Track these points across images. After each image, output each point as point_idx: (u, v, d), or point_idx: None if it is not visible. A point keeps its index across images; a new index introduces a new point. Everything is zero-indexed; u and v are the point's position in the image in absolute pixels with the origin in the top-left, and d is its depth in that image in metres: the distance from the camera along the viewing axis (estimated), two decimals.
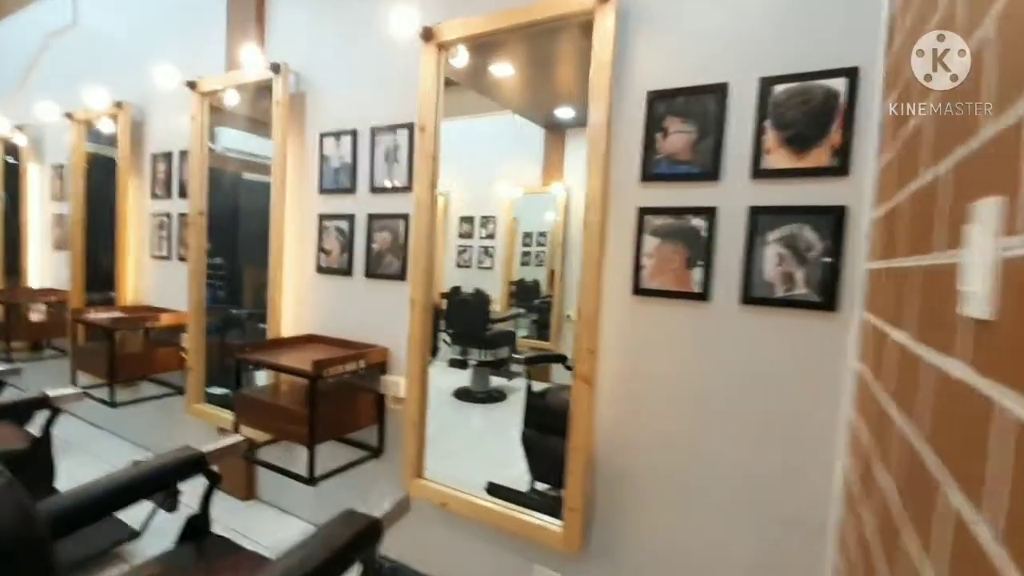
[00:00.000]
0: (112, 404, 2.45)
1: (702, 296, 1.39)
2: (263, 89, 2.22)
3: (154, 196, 2.84)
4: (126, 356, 2.55)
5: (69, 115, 3.11)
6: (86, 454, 2.86)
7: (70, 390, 1.61)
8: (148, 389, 2.78)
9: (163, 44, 2.75)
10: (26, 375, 3.66)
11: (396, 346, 1.97)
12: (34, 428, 1.66)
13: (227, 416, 2.40)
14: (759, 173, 1.33)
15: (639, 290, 1.47)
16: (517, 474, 2.31)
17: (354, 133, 2.05)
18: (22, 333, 3.35)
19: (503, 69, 2.58)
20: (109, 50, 3.11)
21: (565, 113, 3.41)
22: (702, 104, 1.38)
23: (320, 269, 2.17)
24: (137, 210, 2.91)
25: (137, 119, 2.88)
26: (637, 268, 1.47)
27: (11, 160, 3.81)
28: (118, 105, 2.82)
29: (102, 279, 3.28)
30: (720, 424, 1.37)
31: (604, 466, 1.54)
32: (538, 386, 2.48)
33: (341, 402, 1.85)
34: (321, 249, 2.17)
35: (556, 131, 3.61)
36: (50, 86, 3.48)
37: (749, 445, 1.33)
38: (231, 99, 2.51)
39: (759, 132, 1.33)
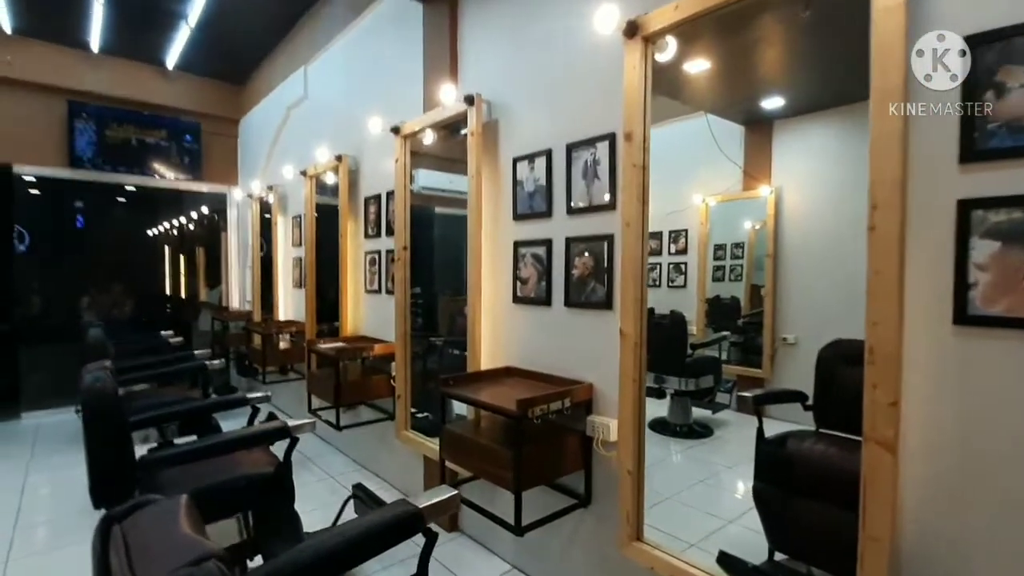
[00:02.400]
0: (338, 427, 2.69)
1: None
2: (453, 128, 2.26)
3: (367, 235, 3.12)
4: (348, 383, 2.79)
5: (303, 172, 3.64)
6: (316, 467, 3.21)
7: (305, 420, 1.73)
8: (364, 413, 3.02)
9: (371, 99, 3.03)
10: (275, 395, 4.37)
11: (603, 383, 1.75)
12: (277, 447, 1.84)
13: (431, 445, 2.44)
14: None
15: (967, 318, 1.02)
16: (741, 534, 1.92)
17: (548, 153, 1.94)
18: (274, 359, 3.97)
19: (698, 64, 2.26)
20: (330, 113, 3.58)
21: (772, 103, 2.92)
22: None
23: (517, 299, 2.08)
24: (354, 249, 3.23)
25: (353, 168, 3.22)
26: (961, 287, 1.03)
27: (267, 215, 4.66)
28: (338, 158, 3.19)
29: (328, 311, 3.74)
30: None
31: (914, 567, 1.09)
32: (760, 426, 2.05)
33: (546, 444, 1.69)
34: (517, 278, 2.08)
35: (760, 126, 3.12)
36: (289, 150, 4.16)
37: None
38: (427, 138, 2.64)
39: None
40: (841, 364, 2.22)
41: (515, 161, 2.07)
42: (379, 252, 3.01)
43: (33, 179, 4.72)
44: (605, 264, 1.73)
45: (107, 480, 1.39)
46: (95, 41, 4.34)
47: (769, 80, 2.72)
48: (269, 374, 3.93)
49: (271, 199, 4.45)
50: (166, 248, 7.60)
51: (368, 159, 3.12)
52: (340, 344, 2.95)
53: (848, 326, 2.68)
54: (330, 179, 3.71)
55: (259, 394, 2.08)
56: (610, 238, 1.72)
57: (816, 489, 1.76)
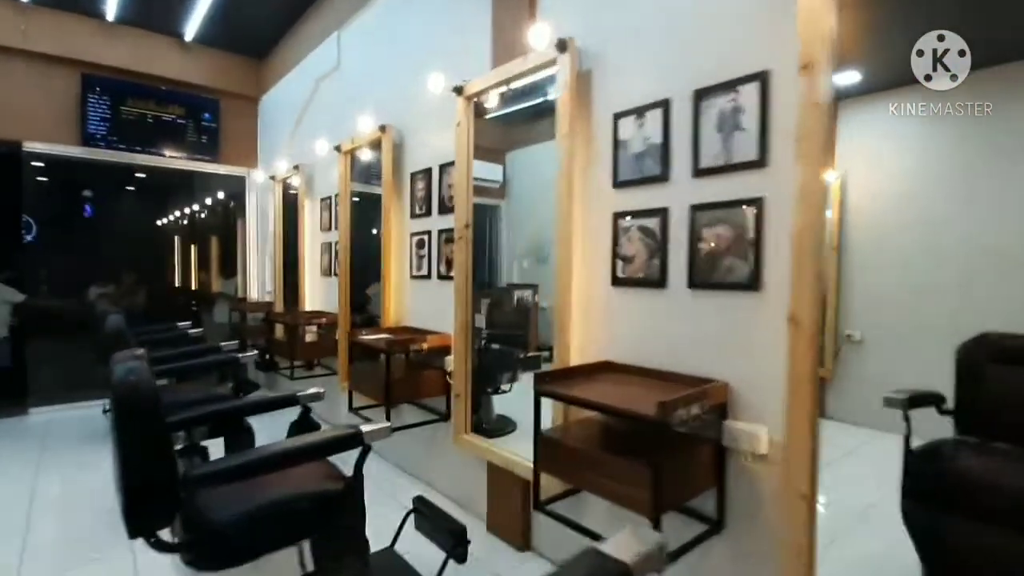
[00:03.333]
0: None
1: None
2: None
3: (413, 215, 2.80)
4: (394, 380, 2.47)
5: (337, 148, 3.31)
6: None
7: (380, 425, 1.41)
8: (408, 412, 2.69)
9: (420, 64, 2.70)
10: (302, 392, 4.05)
11: (743, 382, 1.43)
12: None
13: (499, 451, 2.13)
14: None
15: None
16: (863, 556, 1.64)
17: (665, 104, 1.60)
18: (299, 352, 3.65)
19: None
20: (368, 82, 3.25)
21: (847, 78, 2.57)
22: None
23: (617, 281, 1.75)
24: (398, 231, 2.90)
25: (397, 141, 2.89)
26: None
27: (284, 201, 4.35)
28: (382, 128, 2.87)
29: (359, 301, 3.44)
30: None
31: None
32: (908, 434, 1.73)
33: (680, 457, 1.37)
34: (618, 256, 1.75)
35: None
36: (318, 127, 3.83)
37: None
38: (491, 101, 2.33)
39: None
40: (993, 363, 1.89)
41: (616, 117, 1.74)
42: (428, 233, 2.69)
43: (41, 164, 4.43)
44: (751, 235, 1.40)
45: (146, 501, 1.07)
46: (111, 9, 4.02)
47: (847, 50, 2.38)
48: (294, 369, 3.62)
49: (296, 181, 4.14)
50: (179, 235, 7.30)
51: (414, 130, 2.80)
52: (387, 335, 2.62)
53: (925, 322, 2.33)
54: (365, 156, 3.39)
55: (311, 391, 1.76)
56: (758, 202, 1.39)
57: (996, 511, 1.44)
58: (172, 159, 4.57)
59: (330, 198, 3.72)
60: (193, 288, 7.35)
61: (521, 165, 3.26)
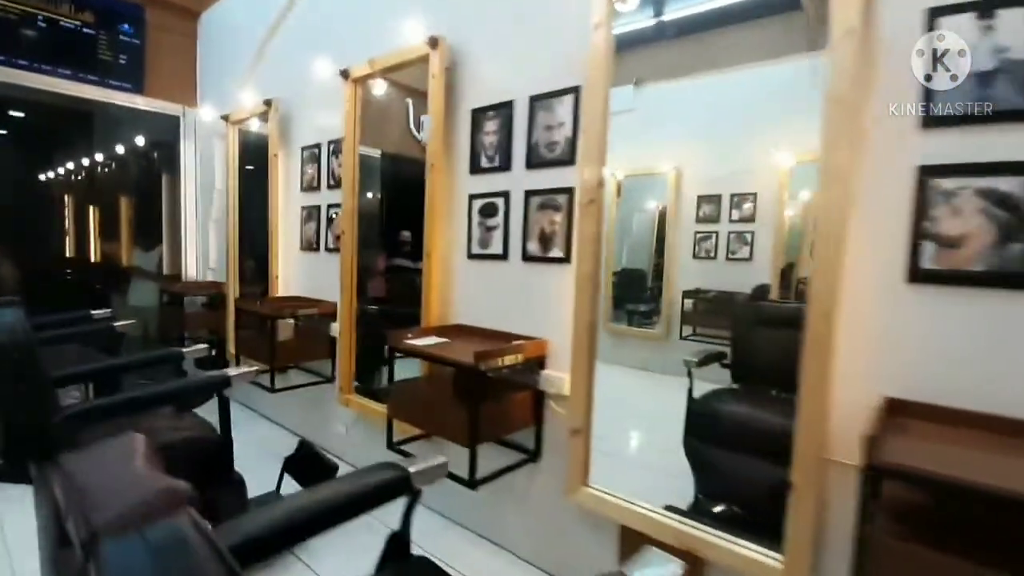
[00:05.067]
0: (471, 483, 1.60)
1: None
2: None
3: (476, 170, 2.00)
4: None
5: (344, 73, 2.39)
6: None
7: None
8: (492, 455, 1.88)
9: None
10: (278, 410, 2.95)
11: None
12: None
13: (660, 518, 1.46)
14: None
15: None
16: None
17: None
18: (280, 355, 2.71)
19: None
20: None
21: None
22: None
23: (920, 276, 1.12)
24: (447, 191, 2.09)
25: (449, 64, 2.05)
26: None
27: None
28: (432, 43, 2.01)
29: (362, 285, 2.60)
30: None
31: None
32: None
33: None
34: (926, 235, 1.12)
35: None
36: (304, 50, 2.85)
37: None
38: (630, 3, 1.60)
39: None
40: None
41: (933, 15, 1.09)
42: (505, 195, 1.91)
43: None
44: None
45: None
46: None
47: None
48: (274, 377, 2.67)
49: (260, 125, 3.13)
50: (73, 194, 5.79)
51: (482, 48, 1.99)
52: (442, 339, 1.84)
53: None
54: (379, 90, 2.50)
55: (437, 462, 0.98)
56: None
57: None
58: (75, 84, 3.32)
59: (318, 146, 2.79)
60: (93, 261, 5.89)
61: None
